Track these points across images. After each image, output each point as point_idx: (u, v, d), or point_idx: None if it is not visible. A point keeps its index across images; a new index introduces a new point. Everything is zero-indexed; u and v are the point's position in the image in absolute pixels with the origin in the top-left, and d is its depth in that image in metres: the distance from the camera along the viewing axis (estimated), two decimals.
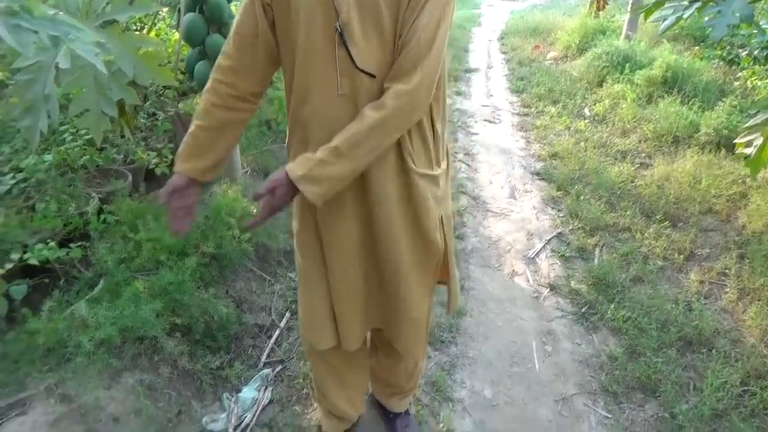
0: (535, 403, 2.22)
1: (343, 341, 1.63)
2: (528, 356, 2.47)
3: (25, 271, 2.43)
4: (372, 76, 1.26)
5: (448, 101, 6.09)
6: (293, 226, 1.59)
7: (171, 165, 3.33)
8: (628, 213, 3.54)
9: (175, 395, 2.10)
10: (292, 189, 1.26)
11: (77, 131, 3.02)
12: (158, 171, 3.24)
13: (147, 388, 2.03)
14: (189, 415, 2.07)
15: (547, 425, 2.12)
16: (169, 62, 3.46)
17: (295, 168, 1.25)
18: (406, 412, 2.05)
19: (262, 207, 1.30)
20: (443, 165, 1.49)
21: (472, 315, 2.71)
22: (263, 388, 2.21)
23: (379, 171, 1.35)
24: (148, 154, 3.27)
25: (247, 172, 3.70)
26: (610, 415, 2.16)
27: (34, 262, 2.36)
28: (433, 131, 1.40)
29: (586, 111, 5.59)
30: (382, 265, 1.49)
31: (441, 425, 2.07)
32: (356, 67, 1.25)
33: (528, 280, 3.01)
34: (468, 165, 4.51)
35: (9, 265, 2.32)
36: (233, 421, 2.05)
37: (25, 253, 2.39)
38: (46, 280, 2.48)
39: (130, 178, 3.18)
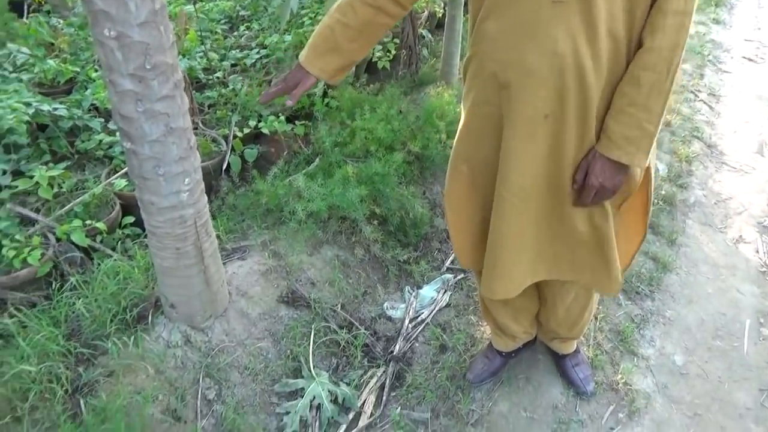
0: (734, 385, 1.97)
1: (489, 287, 1.42)
2: (737, 333, 2.17)
3: (257, 137, 2.74)
4: None
5: (702, 29, 5.25)
6: (462, 124, 1.40)
7: (392, 60, 3.39)
8: None
9: (364, 276, 2.26)
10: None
11: (315, 16, 3.19)
12: (380, 65, 3.32)
13: (342, 264, 2.21)
14: (373, 297, 2.22)
15: (743, 412, 1.88)
16: None
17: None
18: (576, 351, 1.92)
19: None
20: None
21: (678, 273, 2.43)
22: (443, 291, 2.27)
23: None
24: (374, 48, 3.35)
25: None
26: None
27: (265, 131, 2.64)
28: None
29: None
30: (563, 193, 1.28)
31: (619, 377, 1.94)
32: None
33: (757, 251, 2.59)
34: (710, 107, 3.89)
35: (246, 130, 2.63)
36: (411, 313, 2.15)
37: (259, 122, 2.68)
38: (272, 150, 2.76)
39: (354, 67, 3.32)
